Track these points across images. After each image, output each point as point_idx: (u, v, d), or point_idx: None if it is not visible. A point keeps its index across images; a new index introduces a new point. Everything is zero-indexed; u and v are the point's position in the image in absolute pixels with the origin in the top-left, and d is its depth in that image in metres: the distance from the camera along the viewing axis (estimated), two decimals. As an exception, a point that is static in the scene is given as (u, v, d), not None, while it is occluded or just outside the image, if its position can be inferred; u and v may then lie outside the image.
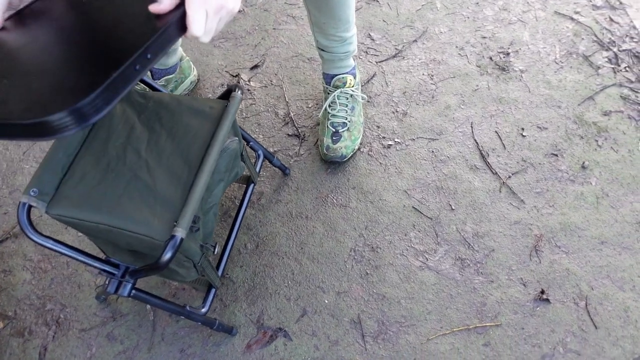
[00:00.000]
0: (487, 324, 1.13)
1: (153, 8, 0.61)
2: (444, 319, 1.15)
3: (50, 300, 1.23)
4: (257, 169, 1.18)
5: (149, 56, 0.61)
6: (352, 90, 1.34)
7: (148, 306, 1.20)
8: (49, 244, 0.84)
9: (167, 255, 0.76)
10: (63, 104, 0.56)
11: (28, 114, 0.57)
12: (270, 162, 1.27)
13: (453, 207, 1.27)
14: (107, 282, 0.93)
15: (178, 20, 0.62)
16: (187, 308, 1.06)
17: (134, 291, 0.92)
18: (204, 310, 1.08)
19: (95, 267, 0.92)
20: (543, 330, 1.12)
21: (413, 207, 1.28)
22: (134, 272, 0.93)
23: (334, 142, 1.32)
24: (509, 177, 1.31)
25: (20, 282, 1.26)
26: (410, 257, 1.22)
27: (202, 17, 0.60)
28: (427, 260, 1.22)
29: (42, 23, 0.77)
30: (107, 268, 0.93)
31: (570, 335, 1.11)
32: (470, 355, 1.10)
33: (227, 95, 0.96)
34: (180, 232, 0.77)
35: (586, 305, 1.14)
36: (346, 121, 1.33)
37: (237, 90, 0.94)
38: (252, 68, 1.58)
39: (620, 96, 1.42)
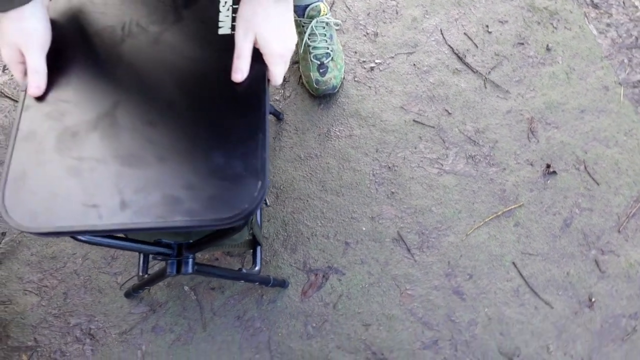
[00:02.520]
0: (512, 207, 1.22)
1: (237, 78, 0.63)
2: (474, 214, 1.21)
3: (72, 315, 1.09)
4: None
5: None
6: (327, 18, 1.29)
7: (186, 287, 1.12)
8: (97, 239, 0.73)
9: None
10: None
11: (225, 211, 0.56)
12: (268, 108, 1.20)
13: (450, 112, 1.32)
14: (166, 264, 0.85)
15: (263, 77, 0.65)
16: (244, 270, 1.01)
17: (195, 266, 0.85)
18: (257, 268, 1.04)
19: (149, 251, 0.84)
20: (558, 199, 1.24)
21: (414, 120, 1.31)
22: (191, 246, 0.85)
23: (322, 74, 1.28)
24: (489, 72, 1.37)
25: (27, 307, 1.10)
26: (426, 167, 1.26)
27: (282, 70, 0.66)
28: (443, 165, 1.26)
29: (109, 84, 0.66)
30: (161, 250, 0.84)
31: (580, 196, 1.24)
32: (505, 238, 1.19)
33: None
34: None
35: (585, 168, 1.27)
36: (329, 51, 1.29)
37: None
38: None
39: (558, -21, 1.53)
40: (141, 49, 0.68)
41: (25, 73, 0.64)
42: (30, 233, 0.56)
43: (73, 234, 0.58)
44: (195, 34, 0.69)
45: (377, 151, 1.27)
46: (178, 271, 0.85)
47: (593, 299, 1.15)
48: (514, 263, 1.17)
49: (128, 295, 1.10)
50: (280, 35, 0.64)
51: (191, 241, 0.85)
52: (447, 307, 1.13)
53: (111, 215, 0.56)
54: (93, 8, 0.71)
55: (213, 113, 0.63)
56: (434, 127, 1.30)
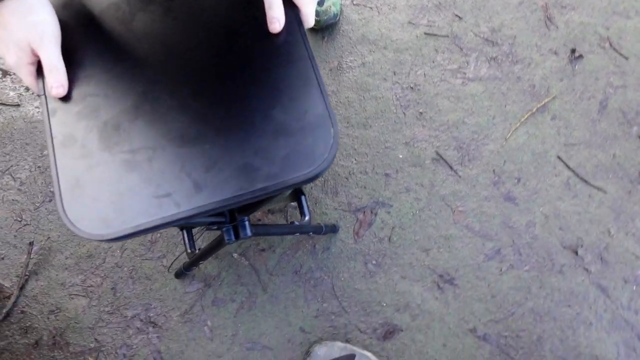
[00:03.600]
0: (545, 101, 1.17)
1: (275, 29, 0.58)
2: (508, 116, 1.16)
3: (126, 308, 1.05)
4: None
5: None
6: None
7: (235, 254, 1.08)
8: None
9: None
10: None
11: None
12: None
13: (460, 17, 1.24)
14: (223, 233, 0.80)
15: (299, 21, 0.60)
16: (296, 223, 0.97)
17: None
18: (307, 218, 0.99)
19: (203, 223, 0.78)
20: (589, 82, 1.18)
21: (425, 33, 1.23)
22: (243, 209, 0.80)
23: (320, 3, 1.18)
24: (491, -35, 1.28)
25: (79, 311, 1.05)
26: (449, 79, 1.19)
27: (313, 9, 0.60)
28: (465, 74, 1.20)
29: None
30: (214, 219, 0.79)
31: (611, 75, 1.19)
32: (545, 133, 1.15)
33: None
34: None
35: (610, 44, 1.21)
36: (322, -23, 1.18)
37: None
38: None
39: None
40: (155, 20, 0.60)
41: (37, 75, 0.57)
42: (109, 240, 0.51)
43: (155, 229, 0.53)
44: None
45: (395, 74, 1.20)
46: (237, 236, 0.79)
47: (644, 175, 1.13)
48: (558, 157, 1.14)
49: (179, 275, 1.05)
50: None
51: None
52: (502, 215, 1.10)
53: (188, 200, 0.52)
54: None
55: (258, 71, 0.58)
56: (447, 36, 1.22)
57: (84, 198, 0.53)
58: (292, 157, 0.54)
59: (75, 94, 0.57)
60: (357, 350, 0.97)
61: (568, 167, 1.13)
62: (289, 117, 0.56)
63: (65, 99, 0.57)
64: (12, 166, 1.14)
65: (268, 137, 0.55)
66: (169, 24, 0.60)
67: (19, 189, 1.13)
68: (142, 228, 0.52)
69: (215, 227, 0.81)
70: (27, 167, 1.14)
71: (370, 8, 1.25)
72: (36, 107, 1.19)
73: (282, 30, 0.58)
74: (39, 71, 0.57)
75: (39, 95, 0.58)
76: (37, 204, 1.11)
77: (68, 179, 0.54)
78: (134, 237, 0.53)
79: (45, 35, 0.55)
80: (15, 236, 1.10)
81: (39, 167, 1.14)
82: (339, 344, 0.98)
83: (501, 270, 1.07)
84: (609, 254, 1.08)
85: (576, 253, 1.08)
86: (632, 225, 1.10)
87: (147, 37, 0.60)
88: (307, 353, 0.97)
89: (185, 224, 0.96)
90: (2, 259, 1.08)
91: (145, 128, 0.55)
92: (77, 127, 0.56)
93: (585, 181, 1.12)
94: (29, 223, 1.10)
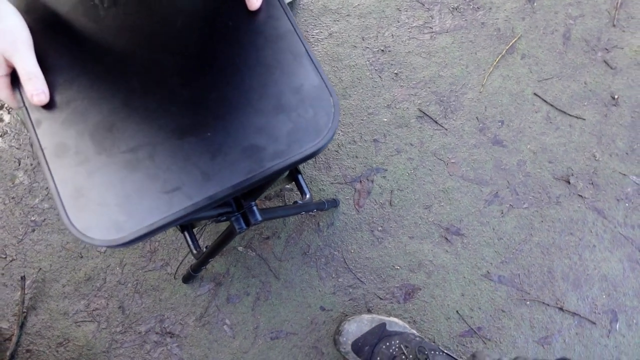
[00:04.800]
0: (512, 42, 1.19)
1: (254, 5, 0.56)
2: (481, 63, 1.18)
3: (139, 324, 1.01)
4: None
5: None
6: None
7: (240, 248, 1.05)
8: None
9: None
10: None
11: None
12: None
13: (416, -28, 1.23)
14: (232, 223, 0.77)
15: None
16: (299, 202, 0.95)
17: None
18: (308, 196, 0.97)
19: (210, 216, 0.75)
20: (549, 17, 1.21)
21: (385, -6, 1.22)
22: (248, 195, 0.78)
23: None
24: None
25: (89, 338, 1.00)
26: (417, 36, 1.19)
27: None
28: (432, 28, 1.20)
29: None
30: (222, 210, 0.76)
31: (568, 6, 1.22)
32: (518, 73, 1.17)
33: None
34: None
35: (562, -23, 1.24)
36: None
37: None
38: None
39: None
40: (130, 13, 0.57)
41: (11, 87, 0.52)
42: (124, 244, 0.49)
43: (169, 225, 0.51)
44: None
45: (363, 39, 1.19)
46: (247, 223, 0.77)
47: (616, 96, 1.17)
48: (535, 93, 1.16)
49: (187, 280, 1.01)
50: None
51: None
52: (493, 159, 1.12)
53: (200, 190, 0.51)
54: None
55: (245, 50, 0.56)
56: (407, -6, 1.22)
57: (90, 205, 0.50)
58: (297, 132, 0.54)
59: (58, 100, 0.53)
60: (384, 318, 0.97)
61: (545, 101, 1.16)
62: (286, 92, 0.55)
63: (49, 107, 0.53)
64: (-17, 203, 1.06)
65: (268, 115, 0.54)
66: (144, 16, 0.57)
67: (-4, 225, 1.05)
68: (156, 226, 0.50)
69: (224, 218, 0.78)
70: (-1, 200, 1.07)
71: (326, -23, 1.23)
72: (-4, 136, 1.11)
73: (262, 7, 0.57)
74: (13, 83, 0.53)
75: (18, 108, 0.54)
76: (20, 237, 1.04)
77: (68, 189, 0.51)
78: (149, 237, 0.51)
79: (17, 42, 0.51)
80: (2, 274, 1.03)
81: (12, 198, 1.07)
82: (366, 316, 0.97)
83: (502, 213, 1.09)
84: (598, 178, 1.12)
85: (568, 182, 1.11)
86: (614, 146, 1.14)
87: (124, 32, 0.56)
88: (338, 332, 0.96)
89: (187, 223, 0.92)
90: (5, 285, 1.02)
91: (139, 125, 0.53)
92: (67, 135, 0.52)
93: (564, 112, 1.15)
94: (15, 258, 1.03)
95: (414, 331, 0.99)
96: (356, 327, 0.96)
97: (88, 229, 0.49)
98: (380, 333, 0.95)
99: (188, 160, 0.52)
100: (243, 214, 0.78)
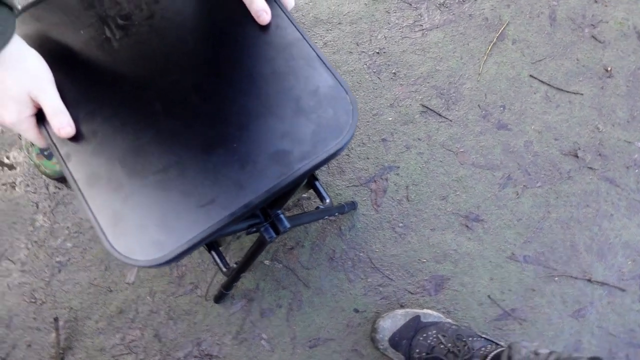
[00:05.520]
0: (501, 29, 1.22)
1: (265, 20, 0.58)
2: (474, 53, 1.21)
3: (176, 349, 1.01)
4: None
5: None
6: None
7: (266, 262, 1.06)
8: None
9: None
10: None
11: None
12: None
13: (399, -25, 1.28)
14: (262, 233, 0.78)
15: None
16: (320, 207, 0.97)
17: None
18: (328, 200, 0.99)
19: (241, 229, 0.76)
20: (533, 1, 1.25)
21: (373, -1, 1.26)
22: (273, 204, 0.79)
23: None
24: None
25: (127, 369, 1.00)
26: (409, 34, 1.22)
27: None
28: (422, 26, 1.23)
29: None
30: (251, 222, 0.77)
31: (550, -11, 1.26)
32: (512, 58, 1.20)
33: None
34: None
35: (539, -38, 1.28)
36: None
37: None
38: None
39: None
40: (142, 40, 0.59)
41: (38, 126, 0.54)
42: (167, 262, 0.51)
43: (209, 238, 0.52)
44: (186, 3, 0.61)
45: (358, 45, 1.22)
46: (276, 232, 0.78)
47: (609, 68, 1.20)
48: (531, 75, 1.19)
49: (219, 299, 1.02)
50: None
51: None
52: (500, 144, 1.14)
53: (234, 200, 0.53)
54: (59, 20, 0.60)
55: (259, 63, 0.58)
56: (394, -4, 1.26)
57: (129, 229, 0.52)
58: (320, 132, 0.56)
59: (84, 132, 0.55)
60: (418, 310, 0.98)
61: (542, 82, 1.19)
62: (303, 96, 0.57)
63: (76, 139, 0.55)
64: (6, 250, 1.07)
65: (290, 120, 0.56)
66: (157, 41, 0.60)
67: (21, 271, 1.05)
68: (197, 240, 0.52)
69: (254, 230, 0.79)
70: (22, 245, 1.07)
71: (313, -9, 1.27)
72: (13, 185, 1.12)
73: (270, 22, 0.59)
74: (38, 122, 0.55)
75: (44, 148, 0.56)
76: (47, 279, 1.05)
77: (106, 216, 0.52)
78: (191, 252, 0.52)
79: (41, 80, 0.53)
80: (34, 318, 1.03)
81: (35, 241, 1.07)
82: (399, 311, 0.98)
83: (517, 194, 1.11)
84: (604, 148, 1.15)
85: (576, 156, 1.14)
86: (615, 116, 1.17)
87: (139, 59, 0.59)
88: (373, 330, 0.97)
89: (213, 241, 0.93)
90: (29, 345, 1.01)
91: (166, 145, 0.55)
92: (97, 164, 0.54)
93: (561, 90, 1.18)
94: (44, 301, 1.03)
95: (450, 320, 0.99)
96: (391, 322, 0.96)
97: (131, 252, 0.51)
98: (415, 325, 0.95)
99: (219, 173, 0.54)
100: (271, 223, 0.79)
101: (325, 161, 0.56)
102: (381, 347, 0.96)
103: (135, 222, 0.52)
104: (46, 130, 0.55)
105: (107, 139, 0.55)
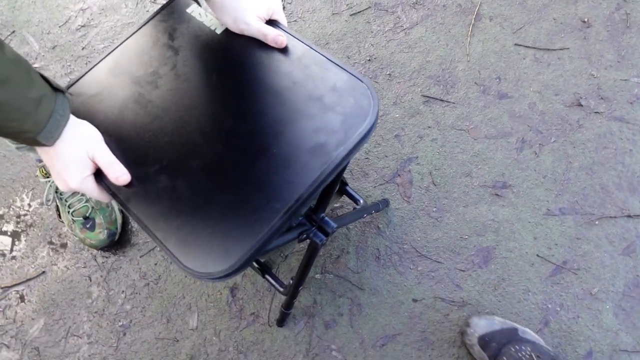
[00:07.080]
0: (476, 10, 1.30)
1: (283, 42, 0.65)
2: (457, 37, 1.28)
3: (253, 381, 1.02)
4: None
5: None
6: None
7: (317, 275, 1.09)
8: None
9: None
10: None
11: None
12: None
13: (369, -12, 1.37)
14: (312, 239, 0.82)
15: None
16: (357, 207, 1.01)
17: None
18: (362, 201, 1.03)
19: (293, 238, 0.80)
20: (498, -22, 1.33)
21: (350, 15, 1.34)
22: (316, 209, 0.84)
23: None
24: (366, -61, 1.43)
25: (211, 412, 1.01)
26: (393, 37, 1.30)
27: (282, 9, 0.70)
28: (403, 27, 1.31)
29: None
30: (300, 229, 0.81)
31: (509, -36, 1.34)
32: (494, 33, 1.27)
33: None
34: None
35: (493, -56, 1.38)
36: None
37: None
38: None
39: None
40: (171, 89, 0.67)
41: (97, 182, 0.61)
42: (235, 271, 0.54)
43: (272, 237, 0.56)
44: (202, 49, 0.69)
45: (349, 57, 1.29)
46: (325, 234, 0.82)
47: (585, 19, 1.26)
48: (516, 44, 1.25)
49: (281, 322, 1.04)
50: None
51: (312, 206, 0.84)
52: (506, 111, 1.19)
53: (287, 197, 0.57)
54: (96, 91, 0.68)
55: (278, 77, 0.65)
56: (369, 7, 1.34)
57: (196, 248, 0.56)
58: (348, 120, 0.61)
59: (137, 176, 0.61)
60: (517, 325, 0.98)
61: (528, 47, 1.25)
62: (325, 94, 0.63)
63: (132, 185, 0.60)
64: (70, 327, 1.10)
65: (319, 117, 0.61)
66: (184, 86, 0.67)
67: (89, 343, 1.08)
68: (263, 240, 0.56)
69: (305, 236, 0.83)
70: (84, 319, 1.10)
71: (296, 20, 1.35)
72: (64, 266, 1.17)
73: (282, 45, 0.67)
74: (97, 180, 0.61)
75: (108, 198, 0.61)
76: (115, 344, 1.08)
77: (173, 242, 0.57)
78: (260, 253, 0.56)
79: (94, 141, 0.60)
80: (111, 385, 1.05)
81: (95, 312, 1.11)
82: (497, 318, 0.98)
83: (536, 153, 1.15)
84: (604, 91, 1.19)
85: (580, 105, 1.18)
86: (605, 60, 1.22)
87: (172, 104, 0.66)
88: (467, 324, 0.97)
89: (266, 262, 0.97)
90: (112, 413, 1.03)
91: (213, 167, 0.60)
92: (153, 202, 0.59)
93: (548, 49, 1.24)
94: (117, 366, 1.06)
95: (548, 347, 0.98)
96: (486, 323, 0.97)
97: (204, 267, 0.55)
98: (511, 335, 0.95)
99: (267, 177, 0.59)
100: (319, 227, 0.83)
101: (359, 144, 0.61)
102: (468, 341, 0.97)
103: (200, 240, 0.56)
104: (105, 184, 0.61)
105: (157, 179, 0.60)
